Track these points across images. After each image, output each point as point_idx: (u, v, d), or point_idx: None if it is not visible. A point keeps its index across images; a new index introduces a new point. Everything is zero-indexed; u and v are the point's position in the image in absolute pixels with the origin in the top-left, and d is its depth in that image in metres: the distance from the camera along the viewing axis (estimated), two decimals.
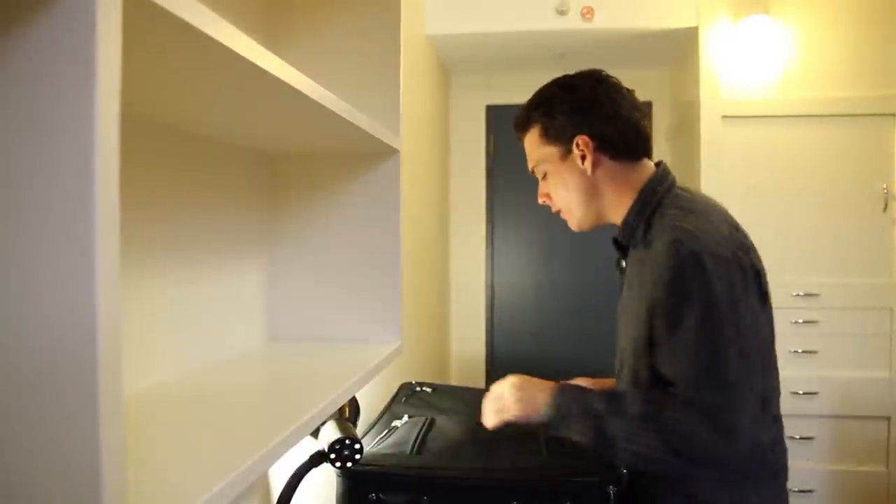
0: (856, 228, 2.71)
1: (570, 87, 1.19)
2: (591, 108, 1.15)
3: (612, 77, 1.22)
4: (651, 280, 1.03)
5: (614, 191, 1.16)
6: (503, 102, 3.47)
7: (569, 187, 1.17)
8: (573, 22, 2.74)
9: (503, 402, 1.08)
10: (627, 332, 1.13)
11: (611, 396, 1.04)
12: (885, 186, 2.69)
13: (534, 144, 1.21)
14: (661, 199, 1.12)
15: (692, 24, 2.73)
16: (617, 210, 1.17)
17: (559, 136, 1.16)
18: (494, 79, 3.50)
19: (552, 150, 1.17)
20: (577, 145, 1.14)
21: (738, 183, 2.76)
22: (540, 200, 1.26)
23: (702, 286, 0.96)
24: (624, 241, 1.16)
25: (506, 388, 1.10)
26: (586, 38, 2.86)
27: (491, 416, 1.09)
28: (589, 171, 1.14)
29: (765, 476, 1.10)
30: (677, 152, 3.23)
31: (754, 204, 2.76)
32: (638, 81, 3.82)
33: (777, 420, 1.16)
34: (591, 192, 1.16)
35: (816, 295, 2.72)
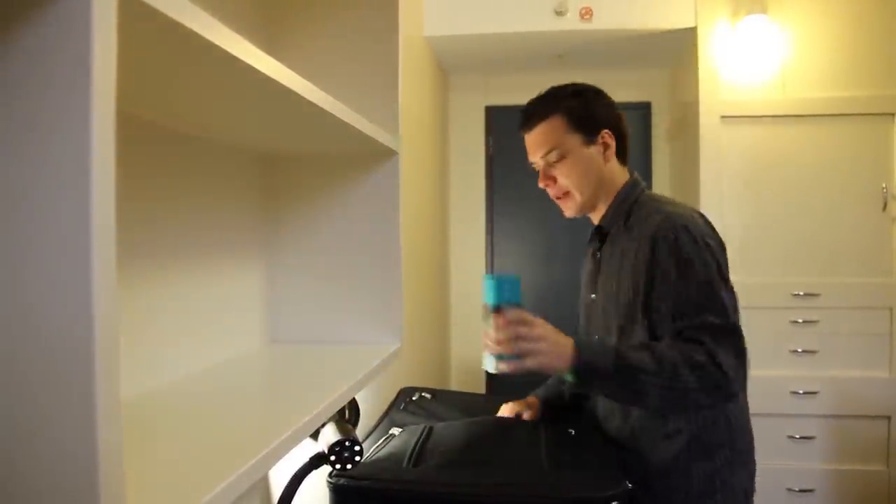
0: (855, 228, 2.71)
1: (595, 90, 1.38)
2: (612, 108, 1.37)
3: None
4: (643, 251, 1.19)
5: (608, 185, 1.34)
6: (502, 103, 3.47)
7: (585, 173, 1.32)
8: (572, 23, 2.74)
9: (534, 345, 1.08)
10: (614, 304, 1.26)
11: (637, 346, 1.14)
12: (884, 186, 2.69)
13: (555, 129, 1.32)
14: (637, 198, 1.32)
15: (691, 25, 2.74)
16: (604, 201, 1.35)
17: (588, 126, 1.32)
18: (493, 80, 3.50)
19: (577, 137, 1.31)
20: (604, 137, 1.32)
21: (737, 183, 2.76)
22: (542, 184, 1.37)
23: (695, 247, 1.15)
24: (607, 225, 1.33)
25: (538, 327, 1.10)
26: (585, 38, 2.86)
27: (508, 365, 1.09)
28: (603, 162, 1.33)
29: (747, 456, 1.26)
30: (676, 152, 3.23)
31: (754, 204, 2.77)
32: (637, 82, 3.83)
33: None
34: (598, 181, 1.33)
35: (816, 294, 2.72)
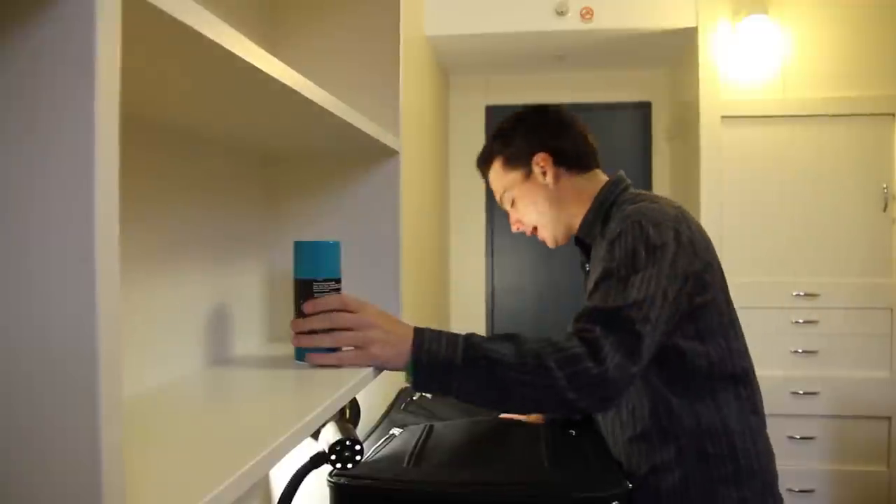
0: (856, 228, 2.72)
1: (520, 116, 1.32)
2: (544, 127, 1.28)
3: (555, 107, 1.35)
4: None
5: (576, 200, 1.24)
6: (503, 103, 3.47)
7: (537, 204, 1.25)
8: (572, 23, 2.74)
9: (362, 335, 0.87)
10: None
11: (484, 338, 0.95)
12: (884, 186, 2.69)
13: (497, 175, 1.30)
14: (616, 199, 1.19)
15: (691, 25, 2.74)
16: (580, 214, 1.24)
17: (519, 159, 1.26)
18: (494, 79, 3.50)
19: (515, 175, 1.26)
20: (537, 162, 1.24)
21: (737, 183, 2.76)
22: (514, 228, 1.32)
23: (636, 239, 1.01)
24: (583, 235, 1.23)
25: (371, 316, 0.88)
26: (585, 38, 2.86)
27: (326, 354, 0.86)
28: (551, 184, 1.24)
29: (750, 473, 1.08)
30: (676, 153, 3.23)
31: (754, 204, 2.77)
32: (637, 82, 3.83)
33: (753, 394, 1.11)
34: (557, 204, 1.25)
35: (816, 295, 2.72)
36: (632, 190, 1.22)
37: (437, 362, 0.89)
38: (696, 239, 1.05)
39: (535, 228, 1.29)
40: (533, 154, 1.24)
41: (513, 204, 1.29)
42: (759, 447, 1.09)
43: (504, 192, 1.29)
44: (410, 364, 0.88)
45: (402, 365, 0.89)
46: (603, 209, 1.19)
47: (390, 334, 0.88)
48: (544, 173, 1.24)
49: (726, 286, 1.13)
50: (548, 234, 1.28)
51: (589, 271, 1.25)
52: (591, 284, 1.09)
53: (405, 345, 0.88)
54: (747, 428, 1.08)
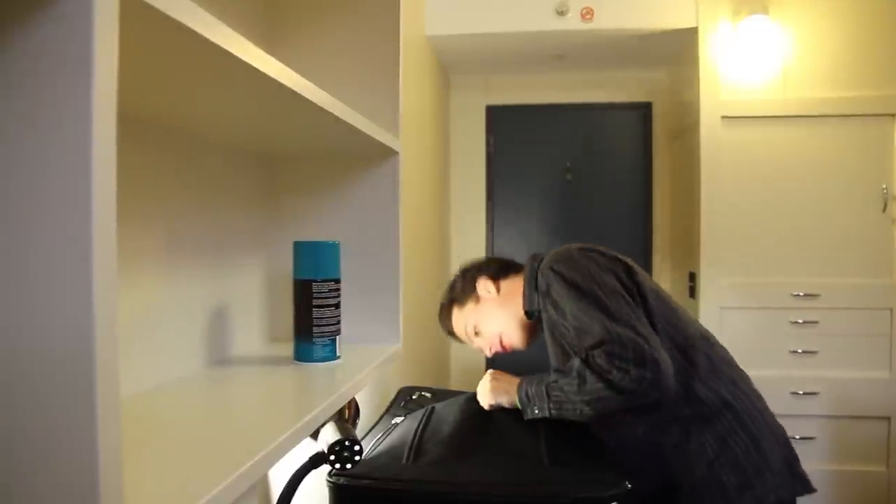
0: (856, 229, 2.71)
1: (453, 279, 1.59)
2: (471, 268, 1.57)
3: None
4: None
5: (515, 297, 1.45)
6: (503, 103, 3.47)
7: (495, 315, 1.48)
8: (573, 22, 2.74)
9: (485, 390, 1.32)
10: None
11: (564, 371, 1.23)
12: (884, 187, 2.69)
13: (458, 318, 1.53)
14: (538, 269, 1.39)
15: (692, 25, 2.74)
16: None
17: (466, 294, 1.53)
18: (494, 79, 3.50)
19: (470, 307, 1.51)
20: (480, 285, 1.51)
21: (737, 183, 2.76)
22: (489, 353, 1.52)
23: (562, 283, 1.27)
24: (531, 308, 1.41)
25: (485, 378, 1.35)
26: (586, 38, 2.86)
27: (482, 400, 1.33)
28: (496, 293, 1.49)
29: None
30: (677, 153, 3.23)
31: (754, 204, 2.76)
32: (638, 82, 3.82)
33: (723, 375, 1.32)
34: (507, 307, 1.46)
35: (816, 295, 2.72)
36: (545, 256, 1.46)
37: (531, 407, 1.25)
38: (599, 251, 1.35)
39: (504, 346, 1.49)
40: (474, 284, 1.52)
41: (476, 332, 1.50)
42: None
43: (467, 325, 1.51)
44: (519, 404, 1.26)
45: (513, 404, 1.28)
46: (533, 284, 1.40)
47: (497, 389, 1.32)
48: (488, 290, 1.50)
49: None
50: (516, 339, 1.47)
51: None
52: (553, 347, 1.37)
53: (512, 393, 1.29)
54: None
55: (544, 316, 1.36)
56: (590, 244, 1.39)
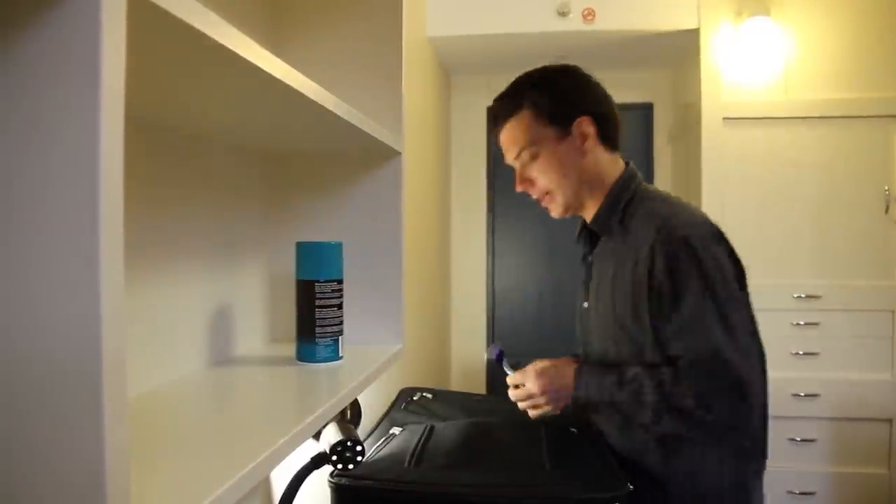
0: (857, 230, 2.71)
1: (564, 70, 1.22)
2: (588, 89, 1.20)
3: None
4: (641, 264, 1.08)
5: (598, 180, 1.19)
6: None
7: (564, 170, 1.18)
8: (574, 24, 2.74)
9: (535, 400, 1.19)
10: (611, 317, 1.16)
11: (629, 382, 1.09)
12: (886, 188, 2.69)
13: (524, 127, 1.19)
14: (633, 193, 1.18)
15: (693, 26, 2.73)
16: (594, 197, 1.21)
17: (558, 116, 1.17)
18: (495, 80, 3.48)
19: (549, 132, 1.17)
20: (580, 125, 1.17)
21: (739, 184, 2.76)
22: (520, 188, 1.24)
23: (695, 265, 1.05)
24: (597, 227, 1.20)
25: (531, 384, 1.18)
26: (587, 39, 2.86)
27: (530, 412, 1.21)
28: (587, 153, 1.17)
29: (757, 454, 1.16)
30: (678, 154, 3.22)
31: (755, 205, 2.76)
32: (639, 83, 3.82)
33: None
34: (583, 175, 1.19)
35: (818, 297, 2.71)
36: (644, 186, 1.21)
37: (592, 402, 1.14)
38: (732, 248, 1.14)
39: (546, 194, 1.22)
40: (576, 115, 1.16)
41: (529, 161, 1.19)
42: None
43: (525, 146, 1.18)
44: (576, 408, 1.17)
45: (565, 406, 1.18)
46: (618, 206, 1.17)
47: (557, 394, 1.16)
48: (583, 140, 1.16)
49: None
50: (560, 203, 1.21)
51: (592, 263, 1.24)
52: (599, 280, 1.18)
53: (568, 396, 1.15)
54: None
55: (630, 265, 1.11)
56: (718, 226, 1.12)
